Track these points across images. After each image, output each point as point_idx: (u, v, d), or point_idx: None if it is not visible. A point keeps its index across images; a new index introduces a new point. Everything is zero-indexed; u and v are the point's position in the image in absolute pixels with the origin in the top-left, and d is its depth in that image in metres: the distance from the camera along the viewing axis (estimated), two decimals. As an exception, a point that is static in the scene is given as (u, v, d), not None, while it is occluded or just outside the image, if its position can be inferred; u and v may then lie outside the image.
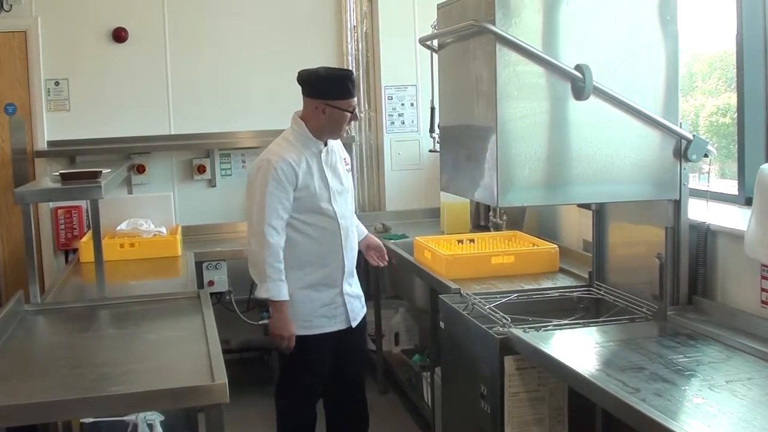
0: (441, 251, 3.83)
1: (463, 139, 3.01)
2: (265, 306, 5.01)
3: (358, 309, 3.65)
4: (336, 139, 3.55)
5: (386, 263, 3.80)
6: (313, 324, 3.51)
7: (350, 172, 3.66)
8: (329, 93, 3.39)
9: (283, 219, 3.36)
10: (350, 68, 3.56)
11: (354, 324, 3.61)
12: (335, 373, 3.65)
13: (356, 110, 3.45)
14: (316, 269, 3.49)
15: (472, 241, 4.14)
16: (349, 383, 3.74)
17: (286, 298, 3.37)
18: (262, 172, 3.38)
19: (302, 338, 3.48)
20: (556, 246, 3.82)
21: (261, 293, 3.37)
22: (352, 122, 3.50)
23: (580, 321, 3.05)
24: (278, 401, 3.67)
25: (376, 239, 3.87)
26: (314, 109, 3.43)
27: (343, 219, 3.52)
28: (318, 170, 3.46)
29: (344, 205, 3.54)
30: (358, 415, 3.80)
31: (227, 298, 4.95)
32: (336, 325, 3.56)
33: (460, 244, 4.11)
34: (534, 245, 3.93)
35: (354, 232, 3.63)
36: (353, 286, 3.63)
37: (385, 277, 5.40)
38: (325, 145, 3.50)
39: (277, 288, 3.34)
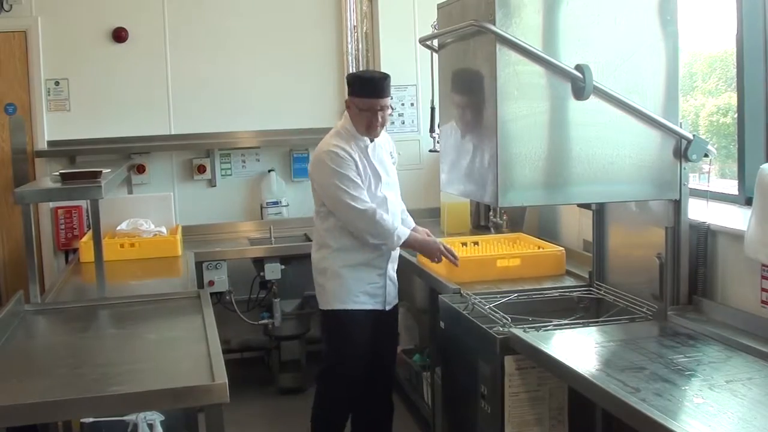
0: None
1: (463, 139, 3.01)
2: (265, 306, 5.03)
3: (394, 293, 3.83)
4: (368, 137, 3.64)
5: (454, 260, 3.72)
6: (358, 300, 3.69)
7: (395, 165, 3.84)
8: (353, 90, 3.64)
9: (362, 186, 3.57)
10: (387, 74, 3.67)
11: (388, 307, 3.77)
12: (371, 355, 3.76)
13: (380, 113, 3.57)
14: (366, 251, 3.67)
15: (476, 243, 4.09)
16: (382, 366, 3.85)
17: (407, 233, 3.65)
18: (322, 164, 3.59)
19: (344, 312, 3.68)
20: (562, 248, 3.77)
21: (396, 245, 3.64)
22: (381, 122, 3.60)
23: (581, 321, 3.04)
24: (319, 383, 3.82)
25: (423, 230, 3.88)
26: (348, 105, 3.67)
27: (393, 207, 3.71)
28: (368, 162, 3.64)
29: (392, 196, 3.74)
30: (385, 401, 3.91)
31: (227, 298, 4.96)
32: (375, 305, 3.73)
33: (464, 246, 4.06)
34: (539, 248, 3.88)
35: (399, 219, 3.77)
36: (394, 272, 3.81)
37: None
38: (371, 141, 3.66)
39: (401, 233, 3.62)
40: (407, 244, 3.69)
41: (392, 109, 3.69)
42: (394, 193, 3.75)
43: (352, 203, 3.54)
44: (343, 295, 3.69)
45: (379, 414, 3.91)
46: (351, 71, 5.62)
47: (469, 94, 2.91)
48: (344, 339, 3.71)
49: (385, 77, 3.61)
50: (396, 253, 3.78)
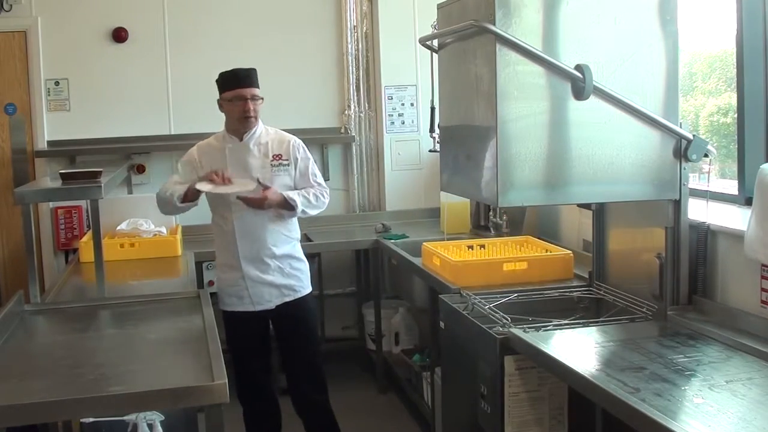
0: (450, 257, 3.71)
1: (463, 139, 3.01)
2: None
3: (265, 295, 3.79)
4: (241, 129, 3.75)
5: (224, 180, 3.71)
6: (225, 301, 3.84)
7: (285, 167, 3.80)
8: (219, 88, 3.79)
9: (171, 179, 3.86)
10: (252, 67, 3.81)
11: (258, 308, 3.78)
12: (282, 356, 3.94)
13: (247, 101, 3.69)
14: (221, 251, 3.87)
15: (482, 246, 4.01)
16: (294, 365, 3.91)
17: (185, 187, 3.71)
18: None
19: (224, 313, 3.84)
20: (569, 252, 3.70)
21: (175, 197, 3.72)
22: (252, 109, 3.71)
23: (580, 321, 3.03)
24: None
25: (266, 194, 3.72)
26: (219, 106, 3.83)
27: (238, 209, 3.73)
28: (219, 162, 3.75)
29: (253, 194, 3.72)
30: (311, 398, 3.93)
31: None
32: (244, 306, 3.80)
33: (470, 250, 3.97)
34: (547, 251, 3.81)
35: (260, 223, 3.75)
36: (267, 273, 3.77)
37: (386, 277, 5.40)
38: (240, 140, 3.77)
39: (177, 189, 3.72)
40: (189, 192, 3.71)
41: (261, 99, 3.75)
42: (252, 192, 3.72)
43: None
44: (219, 296, 3.87)
45: (311, 400, 3.94)
46: (351, 71, 5.63)
47: (469, 95, 2.90)
48: (227, 340, 3.82)
49: (248, 70, 3.75)
50: (257, 253, 3.74)
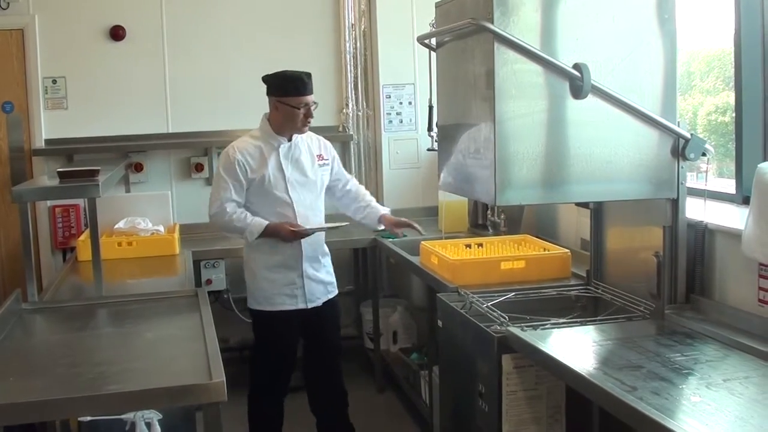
0: (448, 256, 3.70)
1: (461, 138, 3.00)
2: None
3: (317, 292, 3.90)
4: (297, 133, 3.83)
5: (414, 227, 3.98)
6: (275, 301, 3.85)
7: (327, 167, 3.97)
8: (281, 90, 3.76)
9: (232, 193, 3.78)
10: (307, 71, 3.84)
11: (310, 305, 3.86)
12: (308, 353, 4.03)
13: (309, 108, 3.77)
14: (276, 252, 3.82)
15: (480, 245, 3.99)
16: (322, 363, 4.01)
17: (263, 226, 3.76)
18: (222, 159, 3.87)
19: (267, 313, 3.86)
20: (567, 251, 3.69)
21: (251, 238, 3.78)
22: (309, 118, 3.79)
23: (578, 320, 3.02)
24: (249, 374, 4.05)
25: (390, 216, 4.07)
26: (273, 106, 3.82)
27: (300, 206, 3.83)
28: (275, 161, 3.80)
29: (305, 194, 3.86)
30: (336, 388, 4.05)
31: (225, 296, 4.95)
32: (296, 305, 3.85)
33: (467, 248, 3.96)
34: (545, 249, 3.80)
35: (315, 218, 3.89)
36: (319, 271, 3.91)
37: (384, 275, 5.40)
38: (289, 140, 3.83)
39: (253, 228, 3.76)
40: (267, 234, 3.78)
41: (315, 104, 3.83)
42: (309, 191, 3.88)
43: (221, 196, 3.78)
44: (262, 297, 3.88)
45: (332, 398, 4.08)
46: (349, 70, 5.63)
47: (467, 93, 2.90)
48: (269, 341, 3.91)
49: (309, 75, 3.79)
50: (313, 252, 3.88)
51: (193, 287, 3.73)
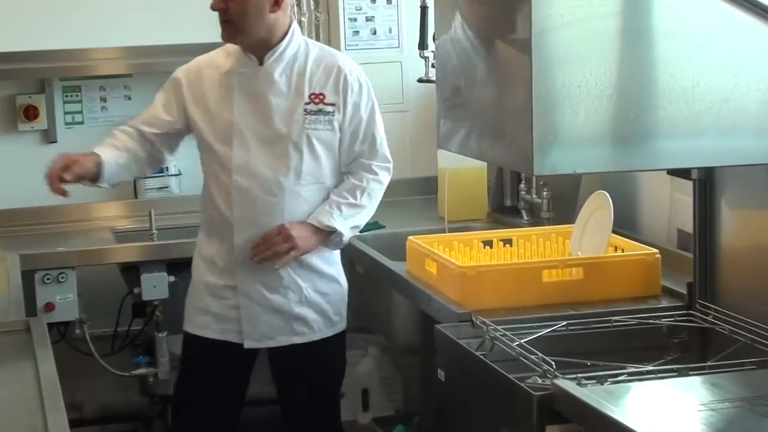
0: (455, 261, 2.94)
1: (474, 63, 2.40)
2: (141, 345, 3.92)
3: (269, 327, 2.88)
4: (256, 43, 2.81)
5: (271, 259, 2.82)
6: (195, 321, 2.94)
7: (326, 117, 2.83)
8: None
9: (144, 114, 2.94)
10: None
11: (246, 345, 2.87)
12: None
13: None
14: (208, 239, 2.91)
15: (508, 242, 3.23)
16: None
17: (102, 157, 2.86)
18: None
19: (185, 335, 2.99)
20: (656, 251, 2.96)
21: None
22: (224, 20, 2.73)
23: (675, 366, 2.40)
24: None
25: (295, 227, 2.82)
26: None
27: (242, 175, 2.77)
28: (223, 94, 2.81)
29: (262, 157, 2.79)
30: None
31: (78, 332, 3.80)
32: (222, 334, 2.89)
33: (487, 248, 3.21)
34: (617, 249, 3.07)
35: (279, 202, 2.80)
36: (271, 293, 2.85)
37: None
38: (261, 63, 2.78)
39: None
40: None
41: None
42: (272, 155, 2.80)
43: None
44: (187, 311, 2.96)
45: None
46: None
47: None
48: (182, 370, 3.04)
49: None
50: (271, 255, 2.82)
51: (22, 317, 2.81)
